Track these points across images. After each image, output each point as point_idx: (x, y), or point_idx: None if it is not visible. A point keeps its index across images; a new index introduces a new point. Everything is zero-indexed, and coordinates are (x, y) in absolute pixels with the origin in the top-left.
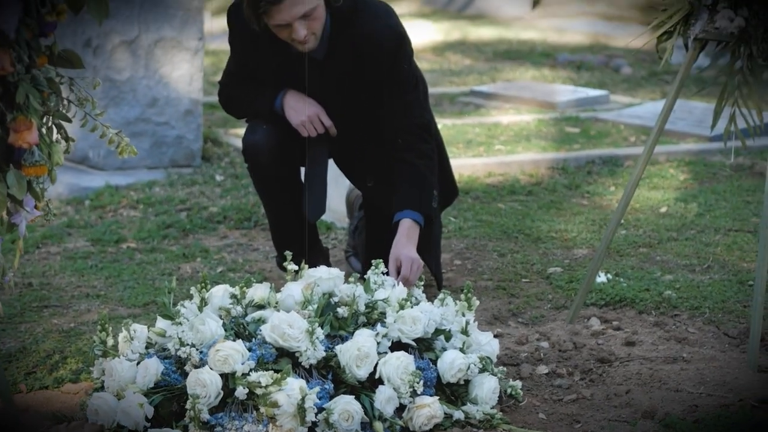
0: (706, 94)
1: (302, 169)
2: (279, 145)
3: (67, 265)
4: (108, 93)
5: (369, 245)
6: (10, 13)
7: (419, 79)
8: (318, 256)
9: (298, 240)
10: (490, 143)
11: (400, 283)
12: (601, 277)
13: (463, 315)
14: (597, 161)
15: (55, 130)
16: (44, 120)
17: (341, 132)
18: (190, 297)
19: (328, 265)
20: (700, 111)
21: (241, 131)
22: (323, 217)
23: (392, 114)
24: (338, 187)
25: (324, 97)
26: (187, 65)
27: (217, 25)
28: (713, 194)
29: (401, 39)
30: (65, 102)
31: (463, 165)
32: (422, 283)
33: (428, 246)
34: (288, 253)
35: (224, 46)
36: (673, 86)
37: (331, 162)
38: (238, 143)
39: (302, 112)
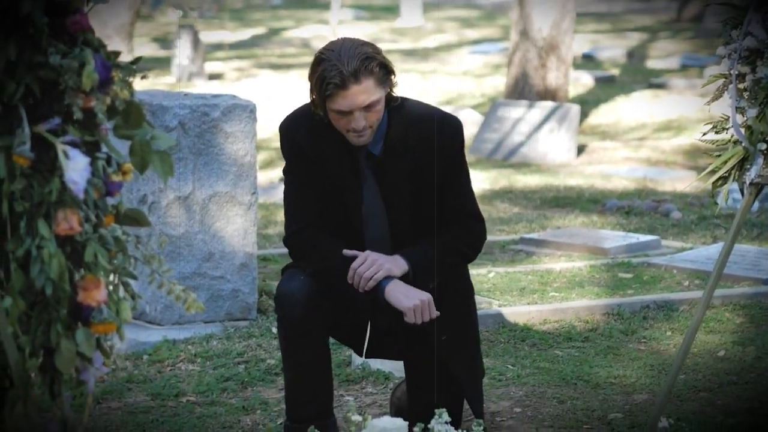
0: (757, 237)
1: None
2: (316, 299)
3: (128, 420)
4: (164, 248)
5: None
6: (79, 174)
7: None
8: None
9: (312, 402)
10: (543, 290)
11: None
12: (663, 422)
13: None
14: (652, 306)
15: (121, 288)
16: (111, 278)
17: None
18: None
19: None
20: (753, 254)
21: None
22: (381, 366)
23: (451, 204)
24: None
25: (388, 196)
26: (241, 220)
27: (263, 178)
28: None
29: (451, 118)
30: (132, 260)
31: (519, 312)
32: (482, 428)
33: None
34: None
35: (272, 199)
36: (731, 231)
37: None
38: None
39: (413, 297)
